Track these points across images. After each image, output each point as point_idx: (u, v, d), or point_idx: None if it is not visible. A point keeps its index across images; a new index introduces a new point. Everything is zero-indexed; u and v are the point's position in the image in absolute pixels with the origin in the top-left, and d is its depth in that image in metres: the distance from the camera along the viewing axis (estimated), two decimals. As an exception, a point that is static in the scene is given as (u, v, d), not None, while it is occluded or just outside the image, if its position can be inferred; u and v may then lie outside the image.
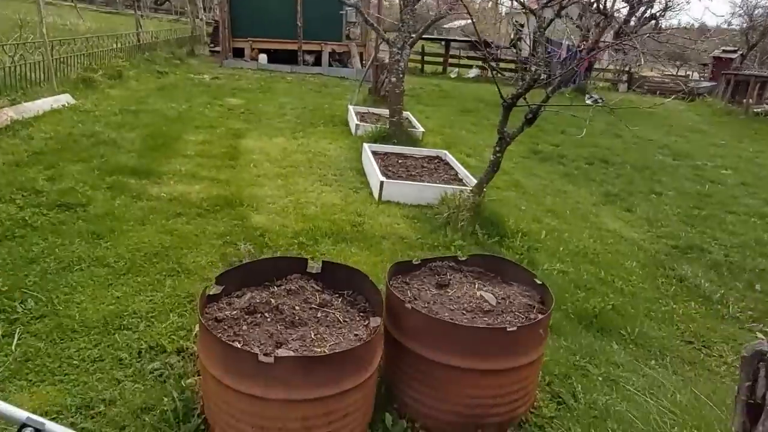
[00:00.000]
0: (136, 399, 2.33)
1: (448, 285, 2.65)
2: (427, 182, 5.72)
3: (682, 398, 2.68)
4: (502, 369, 2.23)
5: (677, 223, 6.17)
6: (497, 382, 2.26)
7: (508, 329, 2.19)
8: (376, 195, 5.46)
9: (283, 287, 2.53)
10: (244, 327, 2.24)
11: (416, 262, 2.77)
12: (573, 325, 3.49)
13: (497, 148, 4.71)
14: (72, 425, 2.14)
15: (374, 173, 5.71)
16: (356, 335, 2.27)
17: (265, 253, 3.92)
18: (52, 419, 2.19)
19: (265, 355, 1.94)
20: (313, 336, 2.24)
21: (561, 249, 4.80)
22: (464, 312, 2.44)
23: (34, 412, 2.14)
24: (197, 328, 2.66)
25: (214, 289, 2.38)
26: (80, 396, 2.32)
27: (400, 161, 6.55)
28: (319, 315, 2.38)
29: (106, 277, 3.32)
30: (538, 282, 2.65)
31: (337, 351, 2.08)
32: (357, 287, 2.59)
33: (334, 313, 2.40)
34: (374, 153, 6.50)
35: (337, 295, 2.55)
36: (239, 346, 2.11)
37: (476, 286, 2.67)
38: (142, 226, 4.13)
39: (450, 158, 6.74)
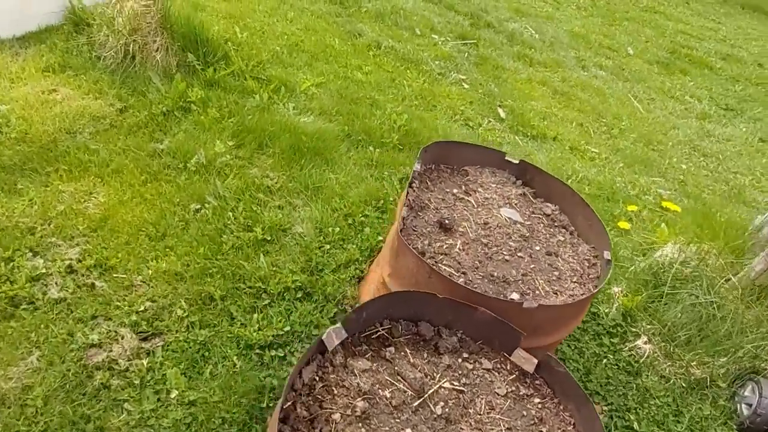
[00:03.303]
0: None
1: (452, 224, 1.80)
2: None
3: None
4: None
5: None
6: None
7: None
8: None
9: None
10: None
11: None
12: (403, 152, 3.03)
13: None
14: None
15: None
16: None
17: None
18: None
19: None
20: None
21: (280, 50, 3.76)
22: (518, 254, 1.78)
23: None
24: None
25: None
26: None
27: None
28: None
29: None
30: (514, 161, 2.09)
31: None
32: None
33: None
34: None
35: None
36: None
37: (478, 199, 1.91)
38: None
39: None
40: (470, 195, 1.97)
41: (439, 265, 1.65)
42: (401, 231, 1.66)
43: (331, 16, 4.72)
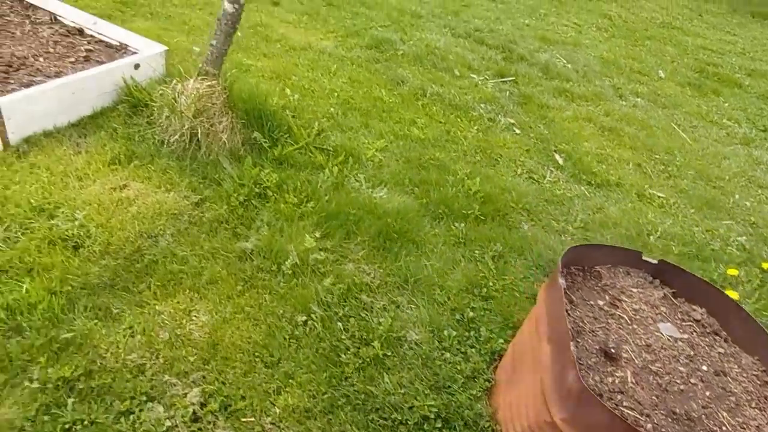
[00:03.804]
0: None
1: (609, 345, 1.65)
2: (70, 68, 2.97)
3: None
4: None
5: (325, 8, 5.43)
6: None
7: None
8: (-16, 135, 2.56)
9: None
10: None
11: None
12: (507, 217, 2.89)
13: (243, -7, 2.67)
14: None
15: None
16: None
17: None
18: None
19: None
20: None
21: (334, 111, 3.61)
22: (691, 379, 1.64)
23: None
24: None
25: None
26: None
27: None
28: None
29: None
30: (652, 261, 1.95)
31: None
32: None
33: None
34: None
35: None
36: None
37: (628, 313, 1.77)
38: None
39: (66, 9, 3.59)
40: (617, 307, 1.82)
41: (620, 408, 1.50)
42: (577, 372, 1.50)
43: (371, 63, 4.59)
